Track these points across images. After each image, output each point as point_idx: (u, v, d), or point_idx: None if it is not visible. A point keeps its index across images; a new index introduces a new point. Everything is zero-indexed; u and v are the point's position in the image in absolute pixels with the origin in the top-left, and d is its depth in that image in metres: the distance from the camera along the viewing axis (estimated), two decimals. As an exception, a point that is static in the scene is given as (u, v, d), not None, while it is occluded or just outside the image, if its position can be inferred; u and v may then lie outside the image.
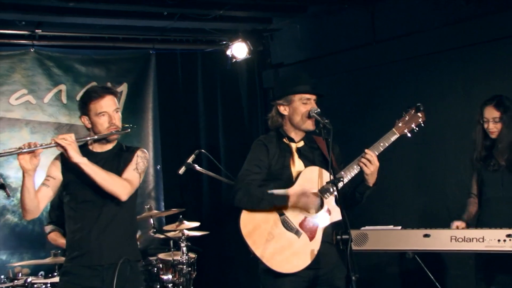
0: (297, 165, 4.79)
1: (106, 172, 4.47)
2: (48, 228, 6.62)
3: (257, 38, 8.82)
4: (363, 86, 7.90)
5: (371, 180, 4.65)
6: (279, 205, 4.65)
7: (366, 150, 4.62)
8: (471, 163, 5.83)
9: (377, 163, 4.61)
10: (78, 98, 8.18)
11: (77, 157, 4.37)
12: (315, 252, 4.64)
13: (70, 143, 4.35)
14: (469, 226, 5.59)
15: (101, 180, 4.43)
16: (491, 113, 5.62)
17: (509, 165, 5.59)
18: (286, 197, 4.63)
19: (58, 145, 4.36)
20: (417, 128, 4.74)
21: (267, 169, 4.77)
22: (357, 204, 4.79)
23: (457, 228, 5.53)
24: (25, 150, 4.27)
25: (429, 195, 6.55)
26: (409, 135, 4.74)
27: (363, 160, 4.59)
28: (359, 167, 4.63)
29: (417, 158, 6.63)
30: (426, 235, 5.39)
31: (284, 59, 9.00)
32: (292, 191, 4.65)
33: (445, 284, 5.75)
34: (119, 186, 4.50)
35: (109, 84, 8.27)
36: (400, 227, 5.54)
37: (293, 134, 4.86)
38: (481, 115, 5.66)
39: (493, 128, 5.60)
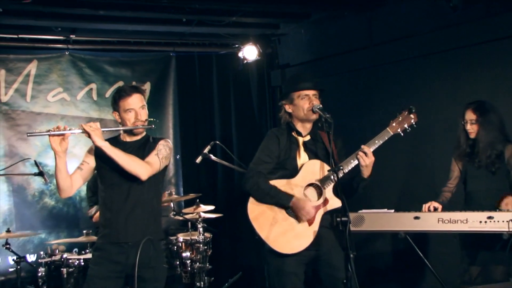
0: (303, 157, 4.86)
1: (126, 155, 4.54)
2: (92, 210, 6.68)
3: (266, 42, 8.93)
4: (361, 85, 7.90)
5: (366, 172, 4.72)
6: (281, 204, 4.73)
7: (362, 146, 4.69)
8: (455, 158, 5.86)
9: (372, 158, 4.68)
10: (107, 95, 8.33)
11: (99, 141, 4.44)
12: (314, 235, 4.72)
13: (94, 129, 4.44)
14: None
15: (121, 161, 4.50)
16: (470, 115, 5.67)
17: (489, 164, 5.65)
18: (288, 200, 4.71)
19: (84, 130, 4.44)
20: (409, 128, 4.80)
21: (277, 158, 4.84)
22: (354, 193, 4.86)
23: (434, 207, 5.60)
24: (54, 133, 4.37)
25: (419, 182, 6.58)
26: (402, 134, 4.79)
27: (361, 153, 4.66)
28: (356, 161, 4.69)
29: (409, 150, 6.66)
30: (416, 217, 5.43)
31: (290, 60, 8.98)
32: (297, 196, 4.72)
33: (432, 261, 5.78)
34: (139, 166, 4.55)
35: (134, 83, 8.37)
36: (393, 210, 5.56)
37: (300, 128, 4.92)
38: (463, 117, 5.74)
39: (470, 129, 5.65)
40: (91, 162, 4.73)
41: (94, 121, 4.59)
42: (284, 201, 4.71)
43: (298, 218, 4.74)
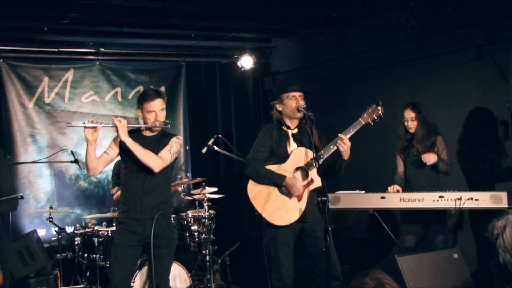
0: (292, 146, 4.90)
1: (144, 150, 4.62)
2: (114, 189, 6.75)
3: (260, 53, 8.98)
4: (337, 89, 7.98)
5: (346, 155, 4.76)
6: (276, 183, 4.78)
7: (339, 134, 4.73)
8: (397, 151, 5.92)
9: (349, 143, 4.70)
10: (129, 97, 8.36)
11: (124, 136, 4.54)
12: (302, 210, 4.76)
13: (122, 126, 4.53)
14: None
15: (140, 155, 4.59)
16: (409, 113, 5.71)
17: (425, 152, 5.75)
18: (281, 180, 4.76)
19: (113, 124, 4.54)
20: (377, 119, 4.81)
21: (270, 147, 4.88)
22: (337, 174, 4.91)
23: (393, 189, 5.66)
24: (88, 125, 4.50)
25: (385, 168, 6.64)
26: (372, 123, 4.81)
27: (339, 141, 4.69)
28: (335, 147, 4.70)
29: (377, 142, 6.71)
30: (382, 197, 5.49)
31: (280, 68, 9.03)
32: (288, 176, 4.76)
33: (395, 232, 5.86)
34: (153, 161, 4.63)
35: (152, 87, 8.40)
36: (364, 191, 5.64)
37: (289, 123, 4.95)
38: (402, 116, 5.79)
39: (411, 124, 5.70)
40: (116, 148, 4.82)
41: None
42: (278, 181, 4.76)
43: (290, 195, 4.78)
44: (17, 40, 7.54)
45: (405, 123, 5.76)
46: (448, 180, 5.84)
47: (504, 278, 2.26)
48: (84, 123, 4.54)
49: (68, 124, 4.63)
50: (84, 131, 4.52)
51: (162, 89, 8.62)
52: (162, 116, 4.78)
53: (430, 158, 5.58)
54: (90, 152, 4.59)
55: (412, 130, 5.75)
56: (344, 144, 4.70)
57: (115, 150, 4.82)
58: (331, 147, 4.75)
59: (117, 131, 4.55)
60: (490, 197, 5.14)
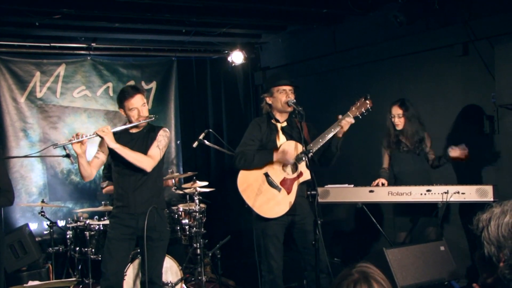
0: (281, 139, 4.88)
1: (134, 153, 4.63)
2: (104, 183, 6.73)
3: (250, 49, 8.93)
4: (327, 84, 7.99)
5: (342, 131, 4.70)
6: (266, 160, 4.76)
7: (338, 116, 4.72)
8: (383, 146, 5.95)
9: (352, 121, 4.69)
10: (119, 93, 8.37)
11: (112, 144, 4.57)
12: (292, 203, 4.75)
13: (107, 133, 4.55)
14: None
15: (131, 159, 4.61)
16: (396, 110, 5.74)
17: (414, 148, 5.76)
18: (270, 154, 4.74)
19: (98, 135, 4.56)
20: (366, 112, 4.78)
21: (259, 141, 4.87)
22: (335, 155, 4.83)
23: (382, 183, 5.69)
24: (74, 141, 4.50)
25: (373, 163, 6.68)
26: (360, 117, 4.78)
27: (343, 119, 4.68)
28: (330, 134, 4.66)
29: (366, 136, 6.74)
30: (371, 191, 5.56)
31: (270, 64, 9.03)
32: (275, 151, 4.75)
33: (382, 225, 5.90)
34: (144, 162, 4.65)
35: (143, 83, 8.46)
36: (352, 185, 5.69)
37: (278, 116, 4.93)
38: (390, 112, 5.80)
39: (398, 121, 5.73)
40: (105, 150, 4.79)
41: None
42: (268, 156, 4.76)
43: (284, 162, 4.78)
44: (9, 35, 7.50)
45: (392, 119, 5.78)
46: (437, 174, 5.88)
47: (489, 270, 2.28)
48: (70, 140, 4.55)
49: (54, 147, 4.69)
50: (72, 146, 4.54)
51: (153, 84, 8.65)
52: (144, 111, 4.76)
53: (455, 153, 5.57)
54: (82, 163, 4.61)
55: (399, 127, 5.77)
56: (347, 122, 4.68)
57: (105, 151, 4.80)
58: (326, 135, 4.70)
59: (103, 140, 4.59)
60: (476, 190, 5.20)
